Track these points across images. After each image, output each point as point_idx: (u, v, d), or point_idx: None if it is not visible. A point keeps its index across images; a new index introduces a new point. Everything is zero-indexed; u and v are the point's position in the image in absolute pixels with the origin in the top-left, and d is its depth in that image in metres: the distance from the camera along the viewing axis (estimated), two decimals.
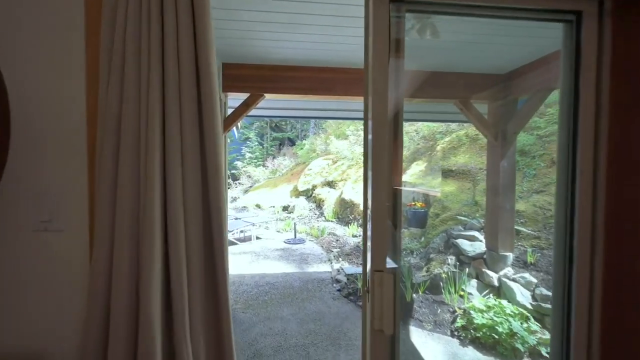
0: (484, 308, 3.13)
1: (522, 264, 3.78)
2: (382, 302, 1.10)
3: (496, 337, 2.82)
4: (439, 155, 7.25)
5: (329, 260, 5.75)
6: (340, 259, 5.74)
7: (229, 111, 3.60)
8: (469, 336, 3.01)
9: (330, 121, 14.13)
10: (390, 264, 1.12)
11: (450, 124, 7.74)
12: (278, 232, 8.20)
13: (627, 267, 1.09)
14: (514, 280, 3.52)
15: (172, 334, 0.80)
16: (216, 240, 0.89)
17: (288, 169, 14.24)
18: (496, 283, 3.63)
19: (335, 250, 6.31)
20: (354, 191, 8.87)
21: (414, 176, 7.37)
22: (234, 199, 12.53)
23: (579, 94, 1.16)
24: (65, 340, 0.86)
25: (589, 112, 1.15)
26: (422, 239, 5.46)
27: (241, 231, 7.45)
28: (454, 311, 3.44)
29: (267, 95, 3.49)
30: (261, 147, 17.33)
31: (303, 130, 17.74)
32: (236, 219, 8.16)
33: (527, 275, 3.49)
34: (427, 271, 4.32)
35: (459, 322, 3.18)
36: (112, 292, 0.76)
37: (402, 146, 1.22)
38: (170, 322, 0.84)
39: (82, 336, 0.80)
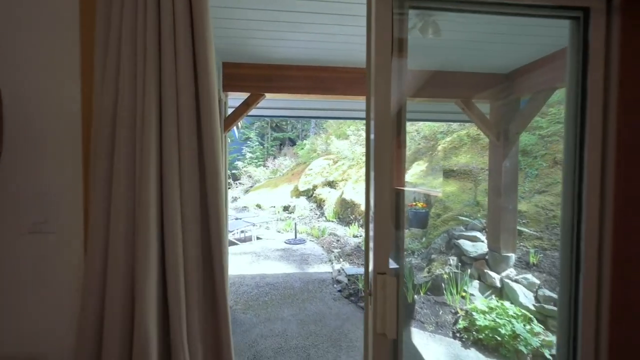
0: (486, 309, 3.10)
1: (524, 265, 3.75)
2: (385, 305, 1.08)
3: (499, 339, 2.79)
4: (440, 155, 7.22)
5: (330, 260, 5.73)
6: (341, 260, 5.72)
7: (229, 111, 3.58)
8: (471, 338, 2.98)
9: (331, 121, 14.11)
10: (391, 264, 1.10)
11: (451, 123, 7.71)
12: (278, 232, 8.18)
13: (636, 267, 1.06)
14: (516, 281, 3.49)
15: (169, 339, 0.78)
16: (214, 241, 0.86)
17: (289, 169, 14.22)
18: (498, 284, 3.60)
19: (336, 250, 6.28)
20: (355, 191, 8.85)
21: (415, 176, 7.34)
22: (235, 199, 12.51)
23: (587, 92, 1.13)
24: (59, 342, 0.84)
25: (597, 110, 1.12)
26: (424, 239, 5.43)
27: (241, 231, 7.42)
28: (456, 312, 3.42)
29: (268, 95, 3.46)
30: (262, 147, 17.32)
31: (304, 130, 17.72)
32: (237, 219, 8.14)
33: (529, 276, 3.46)
34: (428, 272, 4.29)
35: (461, 324, 3.15)
36: (106, 295, 0.73)
37: (405, 146, 1.20)
38: (167, 326, 0.82)
39: (76, 339, 0.78)
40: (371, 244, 1.14)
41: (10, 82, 0.81)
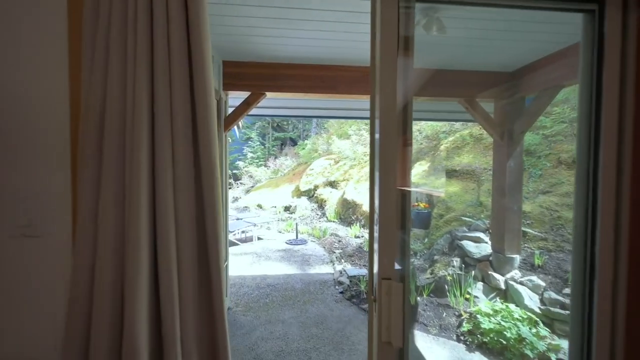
0: (491, 312, 3.05)
1: (529, 267, 3.69)
2: (390, 312, 1.03)
3: (504, 342, 2.73)
4: (443, 155, 7.16)
5: (331, 261, 5.68)
6: (342, 261, 5.67)
7: (230, 110, 3.54)
8: (476, 341, 2.93)
9: (332, 121, 14.07)
10: (396, 266, 1.05)
11: (454, 123, 7.65)
12: (279, 232, 8.13)
13: None
14: (521, 283, 3.43)
15: (162, 351, 0.73)
16: (211, 242, 0.82)
17: (290, 169, 14.18)
18: (503, 286, 3.54)
19: (337, 251, 6.23)
20: (356, 191, 8.79)
21: (417, 176, 7.28)
22: (236, 199, 12.48)
23: (602, 88, 1.08)
24: (46, 348, 0.80)
25: (613, 107, 1.07)
26: (426, 240, 5.38)
27: (242, 231, 7.39)
28: (460, 315, 3.36)
29: (268, 94, 3.42)
30: (263, 147, 17.29)
31: (305, 130, 17.68)
32: (237, 219, 8.11)
33: (534, 278, 3.40)
34: (431, 273, 4.24)
35: (465, 327, 3.10)
36: (94, 303, 0.69)
37: (411, 145, 1.15)
38: (159, 331, 0.77)
39: (62, 349, 0.73)
40: (375, 247, 1.09)
41: None
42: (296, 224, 7.93)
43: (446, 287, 3.78)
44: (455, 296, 3.58)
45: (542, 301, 3.17)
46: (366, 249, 6.22)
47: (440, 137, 7.75)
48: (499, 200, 3.88)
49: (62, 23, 0.79)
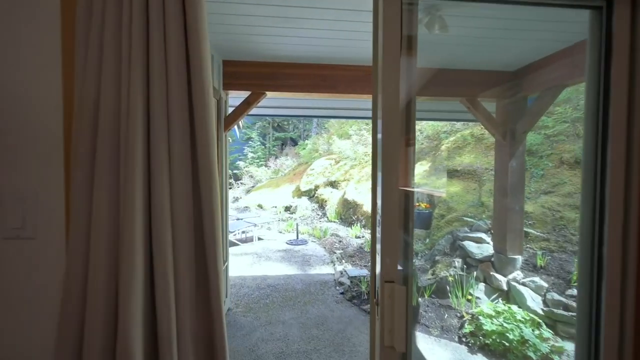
0: (493, 313, 3.02)
1: (531, 268, 3.67)
2: (393, 316, 1.00)
3: (506, 344, 2.71)
4: (444, 155, 7.13)
5: (332, 262, 5.66)
6: (343, 261, 5.64)
7: (230, 110, 3.52)
8: (478, 343, 2.90)
9: (333, 121, 14.05)
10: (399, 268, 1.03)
11: (454, 123, 7.62)
12: (280, 232, 8.11)
13: None
14: (523, 284, 3.40)
15: (157, 352, 0.71)
16: (209, 247, 0.79)
17: (290, 169, 14.16)
18: (505, 287, 3.52)
19: (338, 251, 6.21)
20: (357, 191, 8.77)
21: (418, 176, 7.26)
22: (236, 199, 12.47)
23: (610, 86, 1.06)
24: (38, 353, 0.78)
25: (621, 105, 1.04)
26: (427, 240, 5.35)
27: (243, 232, 7.37)
28: (462, 316, 3.33)
29: (269, 94, 3.40)
30: (263, 147, 17.28)
31: (305, 130, 17.67)
32: (238, 219, 8.09)
33: (537, 279, 3.38)
34: (432, 274, 4.21)
35: (467, 328, 3.07)
36: (87, 303, 0.66)
37: (414, 145, 1.12)
38: (155, 338, 0.75)
39: (55, 349, 0.71)
40: (378, 249, 1.07)
41: None
42: (297, 224, 7.90)
43: (448, 288, 3.75)
44: (456, 297, 3.55)
45: (544, 302, 3.14)
46: (367, 249, 6.19)
47: (441, 137, 7.72)
48: (501, 201, 3.86)
49: (55, 20, 0.77)
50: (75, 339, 0.70)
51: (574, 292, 3.08)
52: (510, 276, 3.57)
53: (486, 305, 3.25)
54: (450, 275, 3.87)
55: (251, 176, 14.54)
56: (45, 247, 0.77)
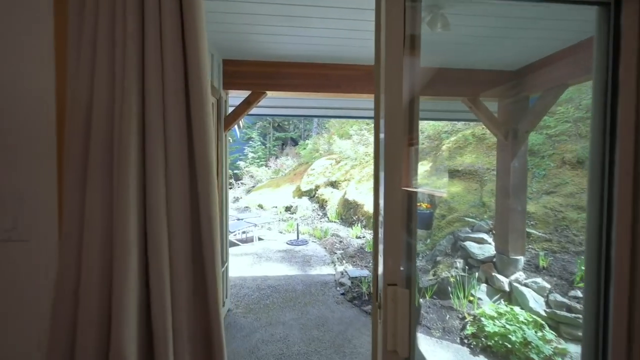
0: (495, 315, 2.99)
1: (533, 268, 3.64)
2: (396, 319, 0.98)
3: (509, 346, 2.68)
4: (445, 155, 7.10)
5: (333, 262, 5.63)
6: (344, 261, 5.62)
7: (230, 110, 3.50)
8: (480, 344, 2.88)
9: (333, 121, 14.03)
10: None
11: (455, 123, 7.59)
12: (280, 233, 8.09)
13: None
14: (525, 285, 3.38)
15: (152, 353, 0.69)
16: (206, 247, 0.77)
17: (291, 169, 14.14)
18: (507, 288, 3.49)
19: (338, 252, 6.19)
20: (358, 191, 8.75)
21: (419, 176, 7.24)
22: (236, 199, 12.45)
23: (618, 84, 1.03)
24: (31, 356, 0.76)
25: (629, 102, 1.02)
26: (428, 240, 5.33)
27: (243, 232, 7.35)
28: (464, 317, 3.31)
29: (269, 93, 3.38)
30: (264, 147, 17.26)
31: (306, 130, 17.65)
32: (238, 219, 8.07)
33: (539, 280, 3.35)
34: (433, 275, 4.18)
35: (469, 329, 3.05)
36: (79, 311, 0.64)
37: (417, 145, 1.10)
38: (150, 340, 0.73)
39: (47, 351, 0.68)
40: (380, 251, 1.05)
41: None
42: (297, 224, 7.88)
43: (449, 288, 3.73)
44: (458, 298, 3.52)
45: (547, 304, 3.12)
46: (367, 249, 6.17)
47: (442, 137, 7.69)
48: (503, 201, 3.83)
49: (48, 18, 0.74)
50: (68, 341, 0.68)
51: (577, 293, 3.06)
52: (513, 277, 3.54)
53: (488, 306, 3.23)
54: (452, 276, 3.84)
55: (251, 176, 14.52)
56: (38, 250, 0.74)
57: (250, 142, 16.97)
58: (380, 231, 1.05)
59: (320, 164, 11.99)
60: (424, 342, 3.05)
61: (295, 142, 17.48)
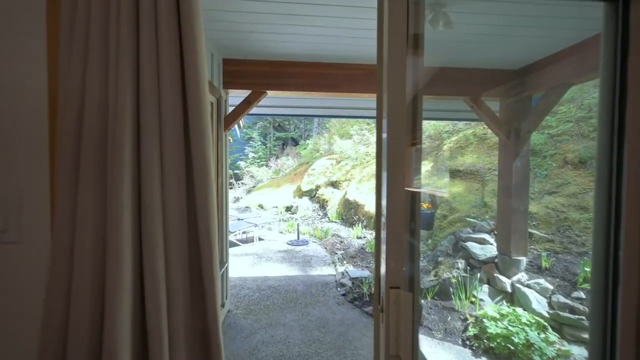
0: (498, 316, 2.97)
1: (535, 269, 3.61)
2: (399, 323, 0.95)
3: (512, 347, 2.65)
4: (446, 155, 7.08)
5: (333, 262, 5.61)
6: (344, 262, 5.60)
7: (230, 109, 3.48)
8: (482, 346, 2.85)
9: (334, 121, 14.01)
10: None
11: (457, 123, 7.56)
12: (281, 233, 8.07)
13: None
14: (528, 286, 3.35)
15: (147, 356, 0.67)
16: (204, 248, 0.75)
17: (291, 169, 14.12)
18: (509, 289, 3.46)
19: (339, 252, 6.16)
20: (358, 191, 8.72)
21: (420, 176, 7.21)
22: (237, 199, 12.44)
23: (626, 82, 1.01)
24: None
25: (639, 102, 0.99)
26: (429, 241, 5.30)
27: (243, 232, 7.33)
28: (466, 319, 3.28)
29: (270, 93, 3.36)
30: (264, 147, 17.25)
31: (306, 130, 17.63)
32: (238, 219, 8.05)
33: (542, 281, 3.32)
34: (435, 275, 4.16)
35: (471, 331, 3.02)
36: (70, 314, 0.62)
37: (420, 144, 1.08)
38: (145, 346, 0.71)
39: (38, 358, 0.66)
40: (383, 253, 1.02)
41: None
42: (297, 224, 7.86)
43: (451, 289, 3.70)
44: (460, 299, 3.50)
45: (550, 305, 3.09)
46: (368, 250, 6.14)
47: (443, 137, 7.67)
48: (504, 201, 3.80)
49: (41, 14, 0.72)
50: (60, 341, 0.65)
51: (580, 294, 3.03)
52: (515, 278, 3.52)
53: (490, 307, 3.20)
54: (453, 276, 3.81)
55: (252, 176, 14.50)
56: (29, 252, 0.72)
57: (251, 142, 16.96)
58: (383, 232, 1.02)
59: (320, 164, 11.97)
60: (426, 344, 3.02)
61: (295, 142, 17.46)
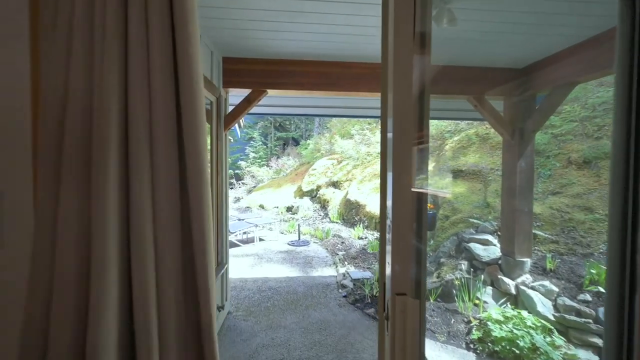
0: (502, 319, 2.91)
1: (540, 271, 3.55)
2: (405, 332, 0.90)
3: (517, 351, 2.60)
4: (448, 155, 7.02)
5: (334, 263, 5.56)
6: (345, 263, 5.54)
7: (230, 109, 3.43)
8: (487, 350, 2.80)
9: (335, 120, 13.96)
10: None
11: (459, 122, 7.51)
12: (281, 233, 8.03)
13: None
14: (533, 288, 3.29)
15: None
16: (198, 255, 0.70)
17: (292, 169, 14.08)
18: (513, 291, 3.40)
19: (340, 253, 6.11)
20: (360, 192, 8.67)
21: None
22: (237, 200, 12.40)
23: None
24: None
25: None
26: (431, 242, 5.25)
27: (244, 232, 7.29)
28: (469, 321, 3.23)
29: (270, 92, 3.31)
30: (265, 146, 17.22)
31: (307, 130, 17.59)
32: (239, 219, 8.01)
33: (547, 283, 3.26)
34: (437, 277, 4.10)
35: (475, 334, 2.97)
36: (52, 310, 0.57)
37: (427, 143, 1.03)
38: (133, 350, 0.66)
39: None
40: (388, 258, 0.97)
41: None
42: (298, 224, 7.82)
43: (454, 291, 3.65)
44: (463, 301, 3.44)
45: (555, 307, 3.03)
46: (370, 250, 6.09)
47: (445, 137, 7.61)
48: (508, 202, 3.75)
49: (24, 7, 0.67)
50: (41, 338, 0.61)
51: (587, 297, 2.97)
52: (519, 280, 3.46)
53: (494, 310, 3.14)
54: (456, 278, 3.76)
55: (253, 176, 14.47)
56: (14, 257, 0.67)
57: (252, 141, 16.93)
58: (388, 236, 0.97)
59: (321, 164, 11.92)
60: (429, 347, 2.97)
61: (296, 142, 17.42)
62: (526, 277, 3.45)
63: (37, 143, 0.66)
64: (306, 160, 13.72)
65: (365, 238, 6.98)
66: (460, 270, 3.93)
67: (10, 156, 0.68)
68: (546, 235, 4.02)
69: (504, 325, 2.82)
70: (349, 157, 10.94)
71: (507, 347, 2.65)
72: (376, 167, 9.36)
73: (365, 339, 3.12)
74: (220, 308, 3.17)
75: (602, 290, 2.95)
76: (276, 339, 3.05)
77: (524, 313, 2.95)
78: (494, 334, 2.77)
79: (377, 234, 7.01)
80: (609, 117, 5.10)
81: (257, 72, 3.19)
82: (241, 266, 5.37)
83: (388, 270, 0.96)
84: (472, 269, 3.90)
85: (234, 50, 2.99)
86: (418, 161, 1.03)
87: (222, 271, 3.19)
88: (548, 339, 2.66)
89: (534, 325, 2.75)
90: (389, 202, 0.94)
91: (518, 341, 2.62)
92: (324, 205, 9.74)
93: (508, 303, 3.38)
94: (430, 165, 7.51)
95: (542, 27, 2.61)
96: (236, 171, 14.88)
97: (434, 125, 8.08)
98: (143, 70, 0.63)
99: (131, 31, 0.62)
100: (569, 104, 5.50)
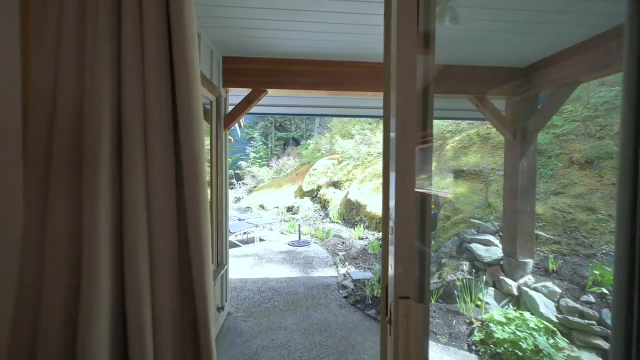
0: (504, 320, 2.89)
1: (542, 272, 3.53)
2: (409, 337, 0.88)
3: (519, 353, 2.57)
4: (449, 155, 6.99)
5: (335, 264, 5.54)
6: (346, 263, 5.52)
7: (230, 108, 3.41)
8: (489, 351, 2.77)
9: (335, 120, 13.94)
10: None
11: (460, 122, 7.48)
12: (282, 233, 8.00)
13: None
14: (535, 289, 3.27)
15: None
16: (194, 255, 0.68)
17: (292, 169, 14.06)
18: (516, 292, 3.38)
19: (341, 253, 6.09)
20: (360, 192, 8.64)
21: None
22: (238, 200, 12.38)
23: None
24: None
25: None
26: (432, 242, 5.22)
27: (244, 233, 7.26)
28: (471, 323, 3.20)
29: (270, 91, 3.29)
30: (265, 146, 17.20)
31: (308, 130, 17.57)
32: (239, 220, 7.99)
33: (549, 284, 3.24)
34: (439, 278, 4.08)
35: (477, 336, 2.94)
36: (42, 308, 0.55)
37: (431, 142, 1.00)
38: (126, 350, 0.64)
39: None
40: (390, 260, 0.95)
41: None
42: (299, 225, 7.79)
43: (455, 292, 3.62)
44: (465, 302, 3.42)
45: (558, 309, 3.01)
46: (371, 251, 6.07)
47: (446, 137, 7.58)
48: (510, 202, 3.72)
49: (14, 2, 0.65)
50: (29, 339, 0.59)
51: (590, 298, 2.94)
52: (521, 281, 3.43)
53: (496, 311, 3.12)
54: (458, 279, 3.73)
55: (253, 176, 14.45)
56: (2, 258, 0.65)
57: (252, 141, 16.92)
58: (391, 237, 0.95)
59: (322, 164, 11.90)
60: (431, 349, 2.94)
61: (297, 142, 17.40)
62: (528, 278, 3.42)
63: (27, 144, 0.64)
64: (306, 160, 13.70)
65: (366, 238, 6.96)
66: (462, 271, 3.91)
67: (0, 157, 0.65)
68: (548, 236, 3.99)
69: (506, 327, 2.79)
70: (350, 157, 10.91)
71: (510, 349, 2.62)
72: (377, 167, 9.32)
73: (366, 340, 3.10)
74: (220, 309, 3.15)
75: (605, 291, 2.92)
76: (276, 340, 3.03)
77: (527, 314, 2.92)
78: (496, 335, 2.74)
79: (377, 234, 6.99)
80: (611, 116, 5.07)
81: (257, 72, 3.16)
82: (241, 266, 5.35)
83: (391, 272, 0.93)
84: (473, 270, 3.87)
85: (233, 49, 2.97)
86: (421, 161, 1.01)
87: (222, 272, 3.17)
88: (551, 340, 2.63)
89: (536, 327, 2.73)
90: (392, 203, 0.91)
91: (521, 343, 2.60)
92: (324, 205, 9.71)
93: (510, 304, 3.36)
94: (432, 165, 7.48)
95: (545, 26, 2.58)
96: (236, 171, 14.87)
97: (435, 125, 8.05)
98: (137, 69, 0.61)
99: (125, 30, 0.59)
100: (571, 103, 5.48)
